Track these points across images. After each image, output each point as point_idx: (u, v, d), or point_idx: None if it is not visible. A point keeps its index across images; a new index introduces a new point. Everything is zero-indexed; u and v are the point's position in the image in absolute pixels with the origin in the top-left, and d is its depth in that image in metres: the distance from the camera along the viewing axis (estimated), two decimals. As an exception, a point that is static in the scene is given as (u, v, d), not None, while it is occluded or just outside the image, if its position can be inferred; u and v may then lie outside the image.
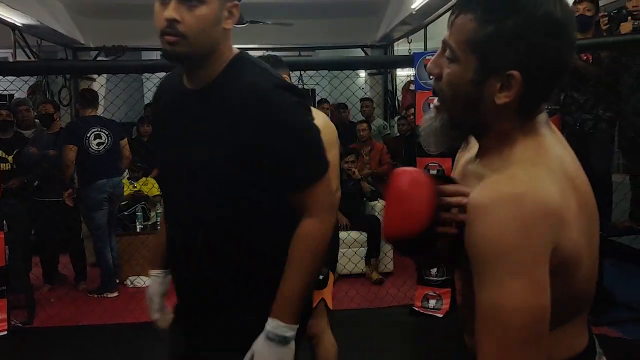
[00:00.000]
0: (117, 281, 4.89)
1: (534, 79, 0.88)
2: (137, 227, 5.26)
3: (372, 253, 4.94)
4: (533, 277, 0.81)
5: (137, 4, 7.02)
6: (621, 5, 4.72)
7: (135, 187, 5.49)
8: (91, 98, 4.90)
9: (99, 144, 4.70)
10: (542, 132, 0.93)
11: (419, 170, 1.02)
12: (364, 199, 5.26)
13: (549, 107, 3.81)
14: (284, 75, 2.44)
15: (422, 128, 1.01)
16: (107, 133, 4.74)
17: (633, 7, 3.47)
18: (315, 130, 1.34)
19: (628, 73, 3.63)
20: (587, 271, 0.92)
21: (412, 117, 5.40)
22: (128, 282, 5.01)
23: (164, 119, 1.42)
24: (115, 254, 4.84)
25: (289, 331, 1.28)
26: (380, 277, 4.85)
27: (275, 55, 2.56)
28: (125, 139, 5.04)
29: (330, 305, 2.58)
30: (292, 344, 1.30)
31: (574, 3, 3.90)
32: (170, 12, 1.21)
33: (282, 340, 1.28)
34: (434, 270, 3.98)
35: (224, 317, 1.37)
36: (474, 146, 1.04)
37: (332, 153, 2.42)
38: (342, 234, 4.93)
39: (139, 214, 5.34)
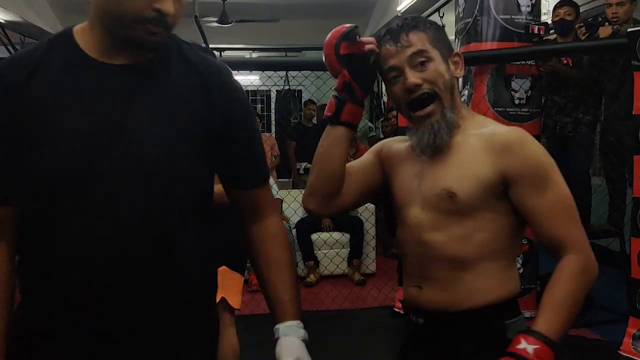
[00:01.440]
0: None
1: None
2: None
3: (355, 254, 4.95)
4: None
5: (122, 2, 7.03)
6: (599, 12, 4.78)
7: None
8: None
9: None
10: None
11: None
12: (348, 200, 5.27)
13: (530, 110, 3.84)
14: None
15: (427, 132, 1.21)
16: None
17: (612, 14, 3.51)
18: None
19: (607, 78, 3.67)
20: None
21: (394, 119, 5.40)
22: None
23: (79, 97, 1.02)
24: None
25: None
26: (362, 278, 4.86)
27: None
28: None
29: (234, 305, 2.45)
30: None
31: (555, 8, 3.94)
32: (170, 5, 0.99)
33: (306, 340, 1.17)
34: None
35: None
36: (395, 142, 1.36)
37: None
38: (324, 235, 4.96)
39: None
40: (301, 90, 8.50)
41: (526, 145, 1.17)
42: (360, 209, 5.12)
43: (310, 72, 4.58)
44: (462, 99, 4.09)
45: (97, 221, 0.99)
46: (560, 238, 1.15)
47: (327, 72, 3.02)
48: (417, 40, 1.21)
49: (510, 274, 1.22)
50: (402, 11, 5.87)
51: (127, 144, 1.00)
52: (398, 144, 1.36)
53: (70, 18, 7.07)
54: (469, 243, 1.18)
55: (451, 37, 4.51)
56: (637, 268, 3.13)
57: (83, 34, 1.05)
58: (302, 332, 1.16)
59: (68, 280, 1.00)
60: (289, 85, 7.73)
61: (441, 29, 1.27)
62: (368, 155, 1.39)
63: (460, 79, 4.19)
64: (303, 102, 7.24)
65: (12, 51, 5.83)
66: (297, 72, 5.17)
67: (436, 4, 5.41)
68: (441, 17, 5.42)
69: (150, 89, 1.05)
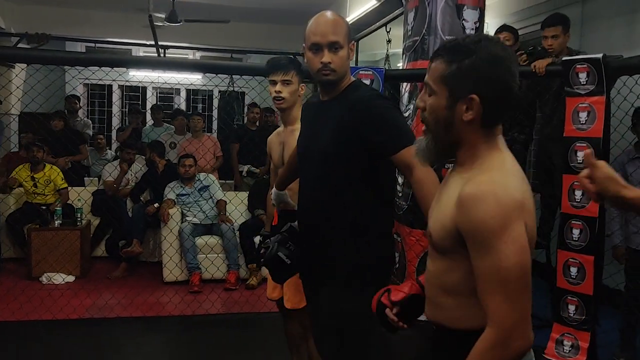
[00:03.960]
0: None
1: (488, 100, 1.22)
2: (56, 222, 5.09)
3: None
4: (519, 243, 1.14)
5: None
6: (536, 36, 5.10)
7: (34, 177, 5.42)
8: None
9: None
10: (503, 149, 1.29)
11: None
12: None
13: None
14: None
15: (416, 148, 1.37)
16: None
17: (548, 45, 3.77)
18: (400, 117, 1.97)
19: (542, 101, 3.94)
20: None
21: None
22: (44, 278, 4.84)
23: (309, 120, 2.09)
24: None
25: None
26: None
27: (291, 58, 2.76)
28: None
29: (286, 304, 2.68)
30: None
31: (495, 33, 4.20)
32: (326, 57, 1.88)
33: None
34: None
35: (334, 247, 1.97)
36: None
37: None
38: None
39: (58, 209, 5.18)
40: (244, 93, 8.52)
41: (478, 206, 1.15)
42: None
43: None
44: (408, 113, 4.29)
45: (305, 174, 2.07)
46: (485, 306, 1.16)
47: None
48: (434, 70, 1.27)
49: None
50: (350, 23, 6.01)
51: (315, 142, 1.99)
52: None
53: (7, 5, 6.80)
54: (448, 278, 1.28)
55: (398, 50, 4.72)
56: (562, 278, 3.39)
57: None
58: None
59: (300, 203, 2.11)
60: (233, 87, 7.72)
61: (481, 63, 1.21)
62: None
63: (406, 94, 4.38)
64: (247, 105, 7.25)
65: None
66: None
67: (384, 19, 5.61)
68: (388, 32, 5.64)
69: (326, 113, 1.98)
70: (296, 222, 2.20)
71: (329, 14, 1.95)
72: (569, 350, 3.34)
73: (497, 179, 1.19)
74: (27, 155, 5.54)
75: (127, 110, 8.91)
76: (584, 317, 3.31)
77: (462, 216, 1.17)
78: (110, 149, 7.66)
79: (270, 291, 2.82)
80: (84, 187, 5.80)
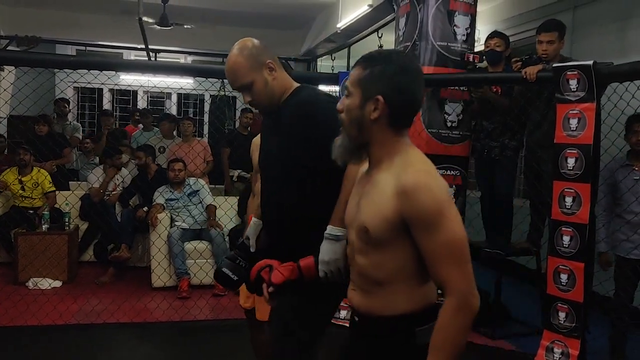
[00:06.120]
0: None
1: (393, 102, 1.40)
2: (44, 227, 5.03)
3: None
4: (458, 218, 1.34)
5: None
6: (527, 42, 5.12)
7: (22, 180, 5.39)
8: None
9: None
10: (414, 146, 1.46)
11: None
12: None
13: (461, 133, 4.07)
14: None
15: (334, 146, 1.50)
16: None
17: (543, 51, 3.78)
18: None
19: (533, 107, 3.94)
20: None
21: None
22: (30, 283, 4.78)
23: (263, 127, 2.15)
24: None
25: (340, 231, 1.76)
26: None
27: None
28: None
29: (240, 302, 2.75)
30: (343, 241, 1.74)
31: (487, 39, 4.20)
32: (246, 98, 1.94)
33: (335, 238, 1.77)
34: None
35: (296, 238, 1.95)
36: (365, 164, 1.53)
37: None
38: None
39: (45, 213, 5.13)
40: (235, 97, 8.49)
41: (422, 194, 1.30)
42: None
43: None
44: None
45: (265, 182, 2.10)
46: (440, 279, 1.33)
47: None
48: (352, 75, 1.45)
49: (421, 291, 1.42)
50: (341, 28, 6.01)
51: (270, 151, 2.04)
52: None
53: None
54: (382, 269, 1.40)
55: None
56: (553, 285, 3.38)
57: None
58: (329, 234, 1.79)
59: (263, 202, 2.10)
60: (224, 91, 7.68)
61: (390, 70, 1.39)
62: None
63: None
64: (240, 109, 7.21)
65: None
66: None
67: (375, 24, 5.61)
68: (380, 37, 5.63)
69: (275, 123, 2.00)
70: (248, 238, 2.22)
71: (229, 57, 1.92)
72: (559, 358, 3.32)
73: (426, 169, 1.38)
74: (13, 158, 5.48)
75: (98, 113, 8.82)
76: (574, 324, 3.30)
77: (407, 205, 1.31)
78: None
79: (244, 300, 2.81)
80: (70, 192, 5.74)
